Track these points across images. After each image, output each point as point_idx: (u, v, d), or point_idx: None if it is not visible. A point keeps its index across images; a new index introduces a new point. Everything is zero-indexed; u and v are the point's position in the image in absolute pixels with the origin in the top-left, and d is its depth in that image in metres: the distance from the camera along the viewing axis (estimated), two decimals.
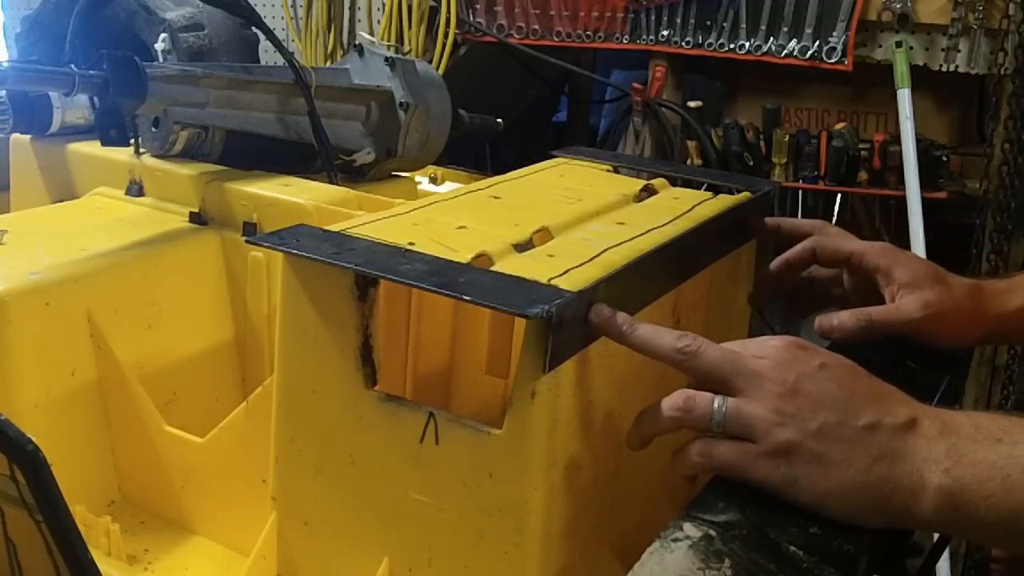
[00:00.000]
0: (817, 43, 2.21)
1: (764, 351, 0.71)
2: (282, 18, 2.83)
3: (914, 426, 0.68)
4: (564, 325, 0.69)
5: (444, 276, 0.72)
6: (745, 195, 1.08)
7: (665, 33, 2.36)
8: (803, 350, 0.72)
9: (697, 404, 0.71)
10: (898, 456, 0.66)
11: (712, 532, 0.65)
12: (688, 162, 2.33)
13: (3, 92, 1.29)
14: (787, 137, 2.28)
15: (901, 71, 2.13)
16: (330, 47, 2.70)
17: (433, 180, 1.53)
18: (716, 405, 0.70)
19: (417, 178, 1.48)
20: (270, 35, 1.33)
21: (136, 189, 1.24)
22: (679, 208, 0.99)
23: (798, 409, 0.68)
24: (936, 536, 0.98)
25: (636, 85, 2.39)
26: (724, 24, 2.29)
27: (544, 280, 0.73)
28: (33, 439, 0.68)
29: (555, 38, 2.47)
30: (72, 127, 1.34)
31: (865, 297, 1.00)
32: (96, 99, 1.08)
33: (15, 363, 0.97)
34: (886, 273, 0.96)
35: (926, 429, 0.68)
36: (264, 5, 2.88)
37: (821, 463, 0.67)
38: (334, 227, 0.84)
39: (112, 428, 1.05)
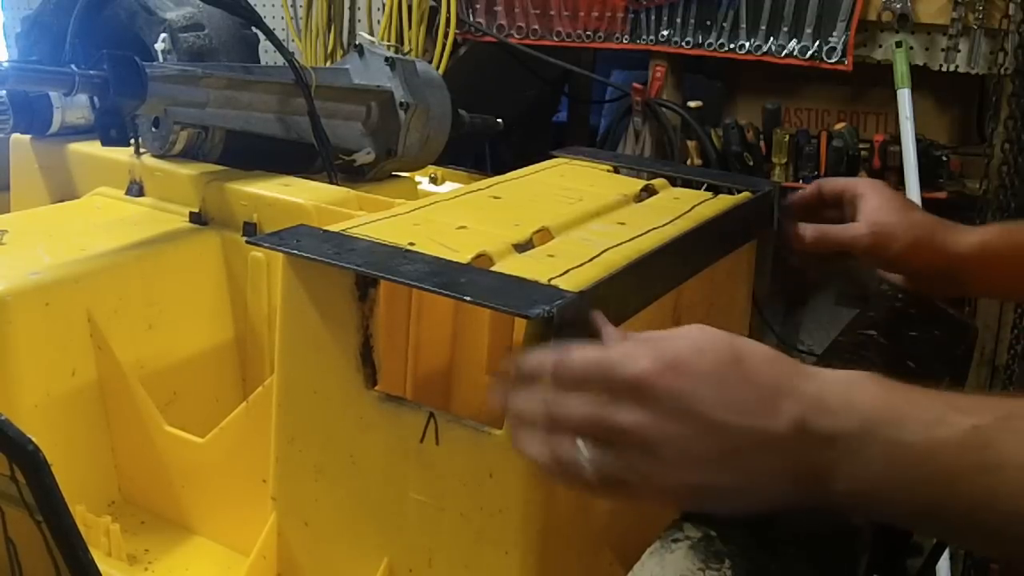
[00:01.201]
0: (817, 43, 2.20)
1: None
2: (282, 18, 2.83)
3: (797, 440, 0.62)
4: (565, 326, 0.69)
5: (444, 276, 0.72)
6: (745, 195, 1.08)
7: (665, 33, 2.36)
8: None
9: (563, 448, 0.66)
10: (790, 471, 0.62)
11: (712, 532, 0.65)
12: (688, 162, 2.33)
13: (3, 92, 1.29)
14: (787, 137, 2.27)
15: (901, 71, 2.12)
16: (330, 47, 2.70)
17: (433, 180, 1.53)
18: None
19: (417, 178, 1.48)
20: (270, 35, 1.34)
21: (136, 189, 1.24)
22: (679, 208, 0.99)
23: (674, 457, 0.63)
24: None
25: (636, 85, 2.39)
26: (724, 24, 2.29)
27: (544, 280, 0.73)
28: (33, 439, 0.68)
29: (555, 38, 2.47)
30: (72, 127, 1.34)
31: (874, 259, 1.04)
32: (96, 99, 1.08)
33: (15, 363, 0.97)
34: (861, 201, 1.02)
35: (810, 440, 0.61)
36: (264, 5, 2.87)
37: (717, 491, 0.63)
38: (334, 227, 0.84)
39: (112, 428, 1.05)
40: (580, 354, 0.65)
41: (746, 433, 0.61)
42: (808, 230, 1.04)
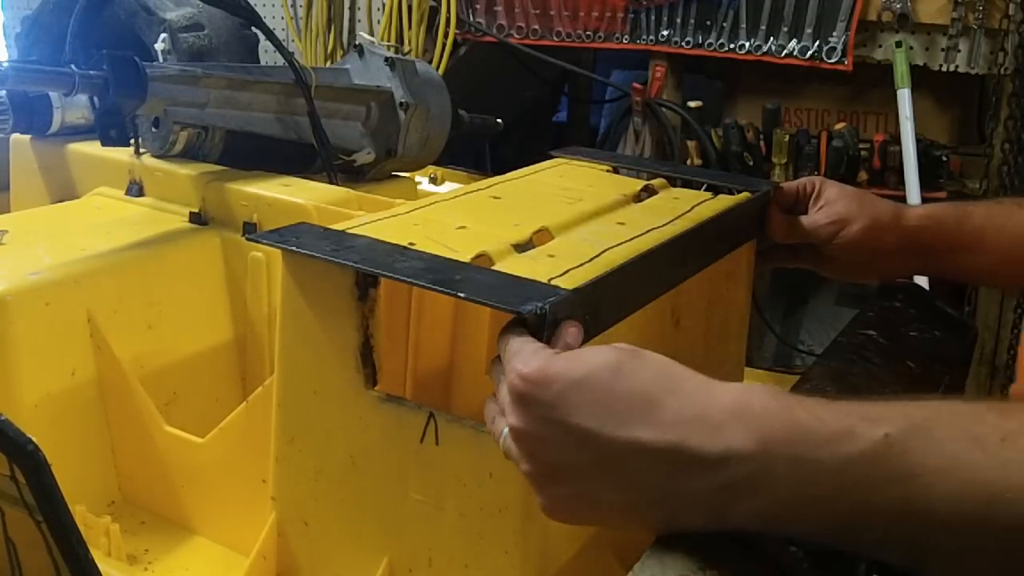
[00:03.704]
0: (817, 43, 2.21)
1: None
2: (282, 18, 2.83)
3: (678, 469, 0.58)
4: (559, 323, 0.69)
5: (440, 273, 0.72)
6: (745, 195, 1.08)
7: (665, 33, 2.36)
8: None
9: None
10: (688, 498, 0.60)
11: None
12: (688, 162, 2.33)
13: (3, 92, 1.29)
14: (787, 137, 2.27)
15: (901, 71, 2.13)
16: (330, 47, 2.70)
17: (433, 180, 1.54)
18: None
19: (417, 178, 1.48)
20: (270, 35, 1.34)
21: (136, 189, 1.24)
22: (679, 208, 0.99)
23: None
24: None
25: (636, 85, 2.39)
26: (724, 24, 2.29)
27: (544, 280, 0.73)
28: (33, 439, 0.68)
29: (555, 38, 2.47)
30: (72, 127, 1.34)
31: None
32: (96, 99, 1.08)
33: (15, 363, 0.97)
34: (818, 195, 1.09)
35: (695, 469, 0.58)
36: (264, 5, 2.88)
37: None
38: (334, 227, 0.83)
39: (112, 428, 1.05)
40: (511, 345, 0.65)
41: (621, 444, 0.58)
42: (779, 223, 1.09)
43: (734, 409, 0.58)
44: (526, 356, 0.63)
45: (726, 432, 0.57)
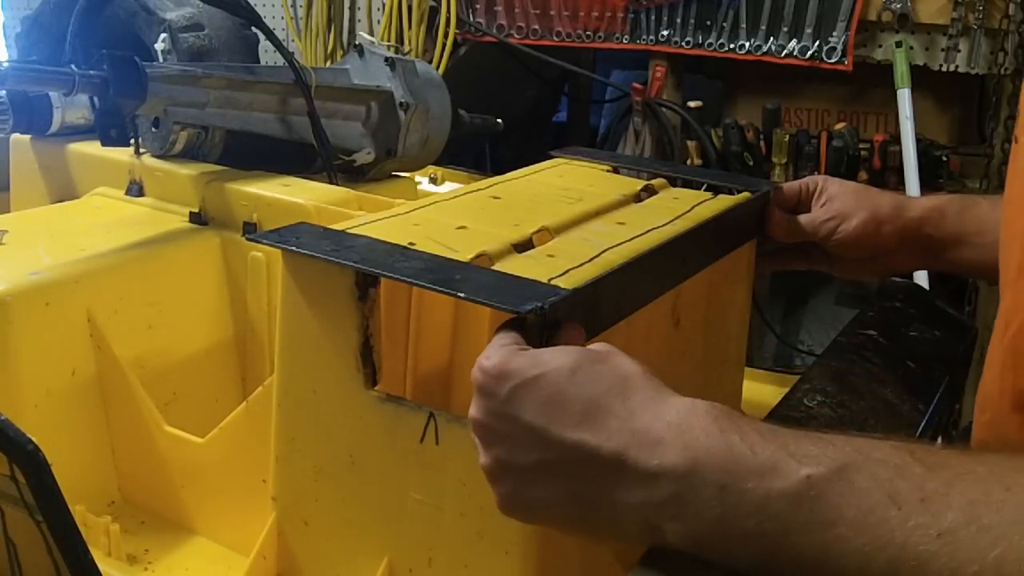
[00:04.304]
0: (817, 43, 2.21)
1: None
2: (282, 18, 2.83)
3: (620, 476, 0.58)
4: (559, 322, 0.69)
5: (440, 273, 0.73)
6: (745, 195, 1.08)
7: (665, 33, 2.36)
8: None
9: None
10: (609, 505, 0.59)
11: None
12: (688, 162, 2.33)
13: (3, 92, 1.29)
14: (787, 137, 2.28)
15: (901, 71, 2.13)
16: (330, 47, 2.70)
17: (433, 180, 1.54)
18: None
19: (417, 178, 1.48)
20: (270, 35, 1.34)
21: (136, 189, 1.24)
22: (679, 208, 0.99)
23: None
24: None
25: (636, 85, 2.39)
26: (724, 24, 2.29)
27: (544, 280, 0.73)
28: (33, 439, 0.68)
29: (555, 38, 2.47)
30: (72, 127, 1.34)
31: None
32: (96, 99, 1.08)
33: (16, 363, 0.97)
34: (819, 193, 1.09)
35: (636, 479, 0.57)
36: (264, 5, 2.88)
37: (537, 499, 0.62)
38: (335, 227, 0.84)
39: (112, 428, 1.05)
40: (494, 336, 0.66)
41: (567, 445, 0.58)
42: (781, 218, 1.09)
43: (676, 425, 0.57)
44: (491, 350, 0.63)
45: (664, 448, 0.56)
